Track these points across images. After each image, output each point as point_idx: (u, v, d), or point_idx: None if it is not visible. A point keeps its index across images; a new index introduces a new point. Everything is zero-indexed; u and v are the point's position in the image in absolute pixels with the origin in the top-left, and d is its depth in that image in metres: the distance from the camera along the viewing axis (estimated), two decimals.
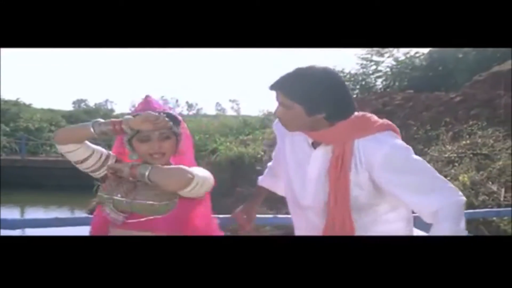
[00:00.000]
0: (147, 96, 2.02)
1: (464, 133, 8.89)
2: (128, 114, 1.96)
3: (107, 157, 2.00)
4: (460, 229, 1.78)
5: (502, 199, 6.24)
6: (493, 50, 12.49)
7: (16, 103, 29.52)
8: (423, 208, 1.81)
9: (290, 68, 1.87)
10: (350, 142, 1.86)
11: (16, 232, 2.27)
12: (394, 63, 15.76)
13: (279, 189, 2.36)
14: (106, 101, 64.42)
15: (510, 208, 5.27)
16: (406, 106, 10.95)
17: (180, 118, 2.01)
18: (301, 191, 2.00)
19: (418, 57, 15.42)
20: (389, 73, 15.78)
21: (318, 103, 1.83)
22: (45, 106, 33.20)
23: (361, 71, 16.23)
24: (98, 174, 2.00)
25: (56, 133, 1.97)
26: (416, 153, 1.87)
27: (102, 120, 1.92)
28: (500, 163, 7.21)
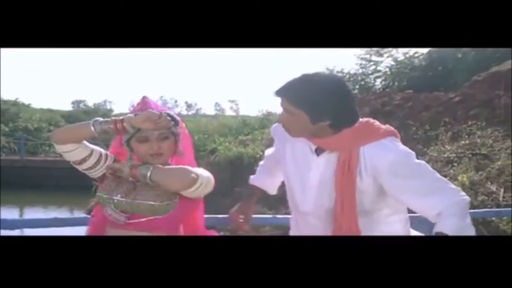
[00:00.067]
0: (144, 97, 2.02)
1: (463, 133, 8.90)
2: (127, 114, 1.96)
3: (106, 157, 1.99)
4: (466, 224, 1.78)
5: (501, 199, 6.24)
6: (493, 50, 12.49)
7: (15, 103, 29.51)
8: (428, 210, 1.82)
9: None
10: (356, 149, 1.86)
11: (15, 232, 2.27)
12: (393, 63, 15.78)
13: (271, 188, 2.37)
14: (105, 101, 64.26)
15: (509, 208, 5.27)
16: (405, 106, 10.95)
17: (178, 118, 2.01)
18: (302, 197, 2.00)
19: (417, 57, 15.43)
20: (388, 73, 15.79)
21: (323, 112, 1.83)
22: (44, 106, 33.24)
23: (360, 71, 16.26)
24: (96, 174, 2.00)
25: (54, 133, 1.96)
26: (415, 153, 1.89)
27: (101, 119, 1.92)
28: (499, 163, 7.21)
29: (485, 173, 7.05)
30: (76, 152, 1.93)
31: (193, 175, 1.85)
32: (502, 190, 6.45)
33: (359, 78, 16.06)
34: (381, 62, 15.93)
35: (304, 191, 1.99)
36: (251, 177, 2.40)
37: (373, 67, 16.07)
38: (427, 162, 1.90)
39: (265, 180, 2.37)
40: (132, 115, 1.90)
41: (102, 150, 2.00)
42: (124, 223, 1.89)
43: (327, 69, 14.77)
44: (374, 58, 15.93)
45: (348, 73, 16.13)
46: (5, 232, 2.17)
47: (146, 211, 1.88)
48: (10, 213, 13.61)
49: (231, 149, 12.86)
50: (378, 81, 16.05)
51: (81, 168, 1.97)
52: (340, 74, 14.99)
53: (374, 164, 1.84)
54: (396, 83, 15.20)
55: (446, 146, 8.57)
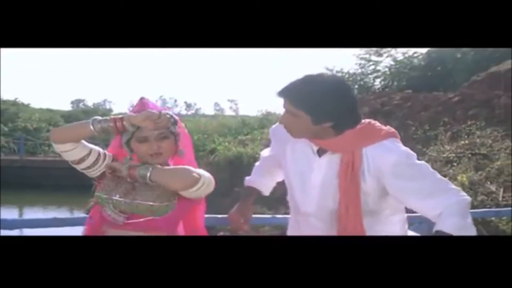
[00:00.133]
0: (142, 98, 2.02)
1: (463, 133, 8.90)
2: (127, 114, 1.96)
3: (104, 156, 1.99)
4: (467, 224, 1.78)
5: (500, 199, 6.24)
6: (492, 50, 12.50)
7: (14, 103, 29.48)
8: (430, 210, 1.83)
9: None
10: (358, 150, 1.87)
11: (15, 232, 2.27)
12: (392, 63, 15.79)
13: (265, 190, 2.37)
14: (105, 101, 64.21)
15: (508, 208, 5.28)
16: (405, 106, 10.95)
17: (176, 117, 2.01)
18: (303, 198, 2.01)
19: (417, 57, 15.44)
20: (388, 73, 15.80)
21: (325, 113, 1.83)
22: (44, 106, 33.23)
23: (359, 71, 16.27)
24: (94, 174, 1.99)
25: (52, 132, 1.95)
26: (415, 153, 1.90)
27: (100, 118, 1.91)
28: (499, 163, 7.21)
29: (484, 173, 7.06)
30: (75, 151, 1.93)
31: (195, 174, 1.85)
32: (502, 190, 6.45)
33: (359, 78, 16.06)
34: (381, 62, 15.95)
35: (305, 192, 1.99)
36: (247, 178, 2.39)
37: (373, 67, 16.08)
38: (427, 162, 1.91)
39: (261, 181, 2.36)
40: (132, 113, 1.91)
41: (101, 150, 2.00)
42: (123, 223, 1.89)
43: (327, 69, 14.81)
44: (373, 58, 15.95)
45: (348, 72, 16.14)
46: (5, 232, 2.17)
47: (145, 212, 1.88)
48: (9, 213, 13.60)
49: (231, 149, 12.88)
50: (378, 81, 16.07)
51: (79, 167, 1.97)
52: (339, 74, 15.00)
53: (377, 166, 1.85)
54: (395, 83, 15.21)
55: (446, 146, 8.57)
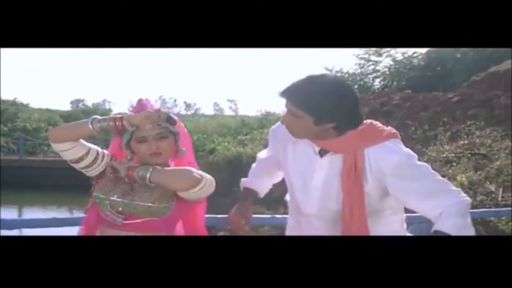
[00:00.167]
0: (140, 100, 2.02)
1: (462, 133, 8.90)
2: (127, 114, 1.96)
3: (103, 156, 1.99)
4: (466, 224, 1.79)
5: (500, 199, 6.24)
6: (491, 50, 12.51)
7: (13, 103, 29.50)
8: (430, 211, 1.83)
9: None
10: (360, 150, 1.87)
11: (14, 232, 2.27)
12: (392, 63, 15.80)
13: (261, 191, 2.36)
14: (104, 101, 64.01)
15: (508, 208, 5.28)
16: (404, 106, 10.95)
17: (175, 117, 2.01)
18: (305, 198, 2.01)
19: (416, 57, 15.45)
20: (387, 73, 15.80)
21: (327, 114, 1.83)
22: (43, 106, 33.22)
23: (359, 71, 16.27)
24: (92, 173, 1.99)
25: (51, 132, 1.95)
26: (416, 154, 1.90)
27: (100, 117, 1.91)
28: (498, 163, 7.21)
29: (484, 173, 7.06)
30: (73, 150, 1.92)
31: (196, 175, 1.85)
32: (501, 190, 6.45)
33: (358, 78, 16.07)
34: (380, 62, 15.95)
35: (307, 192, 1.99)
36: (243, 180, 2.38)
37: (372, 67, 16.09)
38: (426, 162, 1.92)
39: (258, 183, 2.35)
40: (131, 113, 1.91)
41: (99, 149, 1.99)
42: (120, 224, 1.89)
43: (326, 69, 14.83)
44: (373, 58, 15.95)
45: (347, 72, 16.15)
46: (4, 232, 2.16)
47: (143, 213, 1.88)
48: (9, 213, 13.59)
49: (230, 149, 12.87)
50: (377, 81, 16.08)
51: (77, 166, 1.96)
52: (339, 74, 15.00)
53: (378, 166, 1.85)
54: (395, 83, 15.22)
55: (445, 146, 8.57)
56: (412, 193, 1.84)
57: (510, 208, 5.17)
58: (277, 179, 2.38)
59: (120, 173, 1.90)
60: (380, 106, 11.22)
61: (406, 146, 1.92)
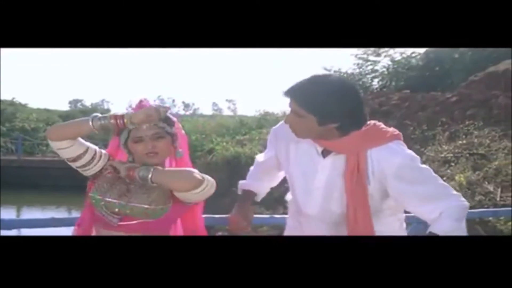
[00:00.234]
0: (141, 100, 2.02)
1: (461, 133, 8.90)
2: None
3: (100, 155, 1.98)
4: (461, 227, 1.80)
5: (498, 199, 6.24)
6: (490, 50, 12.51)
7: (12, 103, 29.47)
8: (428, 214, 1.85)
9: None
10: (363, 151, 1.87)
11: (13, 232, 2.27)
12: (390, 63, 15.80)
13: (262, 192, 2.35)
14: (103, 101, 63.77)
15: (506, 208, 5.28)
16: (403, 106, 10.96)
17: (174, 119, 2.01)
18: (306, 199, 2.00)
19: (415, 57, 15.46)
20: (386, 73, 15.81)
21: (331, 114, 1.83)
22: (41, 106, 33.19)
23: (357, 71, 16.27)
24: (89, 172, 1.98)
25: (50, 130, 1.94)
26: (418, 156, 1.91)
27: (100, 115, 1.91)
28: (496, 163, 7.22)
29: (482, 173, 7.06)
30: (72, 149, 1.91)
31: (198, 176, 1.85)
32: (499, 190, 6.45)
33: (357, 78, 16.05)
34: (379, 62, 15.95)
35: (308, 193, 1.99)
36: (241, 182, 2.37)
37: (371, 67, 16.09)
38: (425, 162, 1.92)
39: (258, 184, 2.34)
40: (132, 111, 1.91)
41: (97, 148, 1.99)
42: (116, 225, 1.89)
43: (325, 69, 14.82)
44: (371, 58, 15.95)
45: (346, 73, 16.14)
46: (3, 232, 2.16)
47: (139, 214, 1.87)
48: (8, 213, 13.57)
49: (229, 149, 12.86)
50: (376, 81, 16.08)
51: (75, 165, 1.96)
52: (337, 74, 14.99)
53: (381, 168, 1.85)
54: (393, 83, 15.23)
55: (443, 146, 8.58)
56: (412, 196, 1.84)
57: (508, 208, 5.17)
58: (276, 182, 2.37)
59: (120, 172, 1.90)
60: (378, 106, 11.22)
61: None
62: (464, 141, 8.44)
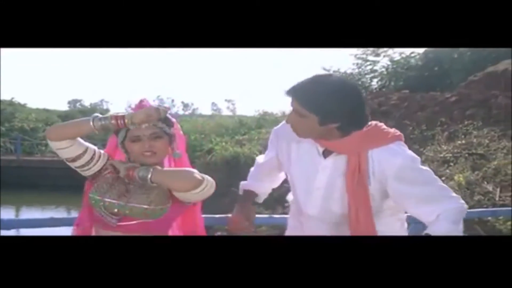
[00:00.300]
0: (141, 100, 2.02)
1: (460, 133, 8.91)
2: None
3: (99, 155, 1.98)
4: (457, 230, 1.80)
5: (497, 198, 6.25)
6: (489, 50, 12.53)
7: (11, 103, 29.41)
8: (427, 216, 1.85)
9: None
10: (364, 152, 1.87)
11: (11, 232, 2.27)
12: (389, 63, 15.82)
13: (263, 193, 2.35)
14: (102, 100, 63.75)
15: (505, 208, 5.28)
16: (402, 106, 10.97)
17: (173, 119, 2.01)
18: (307, 199, 2.01)
19: (414, 57, 15.48)
20: (385, 73, 15.83)
21: (332, 114, 1.83)
22: (40, 106, 33.13)
23: (356, 71, 16.29)
24: (88, 173, 1.98)
25: (49, 130, 1.94)
26: (419, 157, 1.91)
27: (100, 115, 1.91)
28: (495, 163, 7.22)
29: (481, 173, 7.06)
30: (71, 149, 1.91)
31: (198, 176, 1.85)
32: (498, 189, 6.46)
33: (356, 78, 16.06)
34: (378, 62, 15.97)
35: (309, 193, 1.99)
36: (243, 182, 2.37)
37: (370, 67, 16.11)
38: (424, 162, 1.92)
39: (259, 185, 2.33)
40: (132, 111, 1.91)
41: (96, 149, 1.99)
42: (116, 225, 1.89)
43: (324, 69, 14.83)
44: (370, 58, 15.98)
45: (345, 72, 16.15)
46: (2, 232, 2.16)
47: (139, 215, 1.87)
48: (7, 213, 13.55)
49: (228, 149, 12.86)
50: (375, 81, 16.10)
51: (73, 165, 1.95)
52: (337, 74, 14.99)
53: (382, 169, 1.85)
54: (392, 83, 15.24)
55: (443, 146, 8.58)
56: (411, 197, 1.85)
57: (507, 208, 5.17)
58: (277, 183, 2.37)
59: (120, 172, 1.90)
60: (377, 106, 11.23)
61: None
62: (463, 141, 8.45)
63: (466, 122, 9.17)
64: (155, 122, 1.90)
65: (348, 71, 16.25)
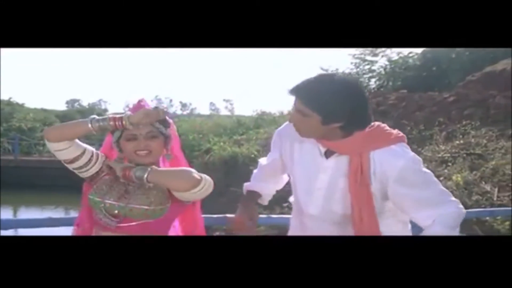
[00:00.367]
0: (140, 101, 2.02)
1: (458, 133, 8.92)
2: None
3: (97, 156, 1.98)
4: (452, 234, 1.80)
5: (495, 198, 6.26)
6: (487, 50, 12.53)
7: (9, 103, 29.39)
8: (425, 220, 1.85)
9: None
10: (366, 153, 1.87)
11: (9, 232, 2.27)
12: (387, 63, 15.81)
13: (267, 194, 2.34)
14: (100, 100, 63.81)
15: (503, 208, 5.29)
16: (400, 106, 10.98)
17: (170, 120, 2.01)
18: (308, 199, 2.00)
19: (412, 57, 15.47)
20: (383, 73, 15.82)
21: (335, 114, 1.83)
22: (38, 106, 33.15)
23: (354, 70, 16.26)
24: (86, 174, 1.98)
25: (47, 130, 1.93)
26: (421, 159, 1.91)
27: (98, 117, 1.91)
28: (494, 162, 7.23)
29: (479, 172, 7.08)
30: (69, 150, 1.91)
31: (196, 175, 1.84)
32: (496, 189, 6.47)
33: None
34: (376, 62, 15.96)
35: (310, 193, 1.99)
36: (246, 184, 2.36)
37: (368, 66, 16.10)
38: (422, 162, 1.92)
39: (263, 186, 2.32)
40: (130, 113, 1.91)
41: (94, 150, 1.99)
42: (116, 226, 1.88)
43: (322, 69, 14.83)
44: (368, 58, 15.96)
45: (343, 72, 16.15)
46: (0, 232, 2.16)
47: (139, 216, 1.87)
48: (5, 213, 13.53)
49: (226, 149, 12.87)
50: (373, 81, 16.08)
51: (71, 166, 1.95)
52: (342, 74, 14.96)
53: (383, 170, 1.85)
54: (390, 83, 15.23)
55: (441, 146, 8.59)
56: (411, 200, 1.84)
57: (505, 208, 5.18)
58: (281, 185, 2.36)
59: (116, 172, 1.90)
60: (375, 106, 11.23)
61: None
62: (461, 141, 8.47)
63: (464, 122, 9.18)
64: (157, 120, 1.90)
65: (346, 71, 16.24)
